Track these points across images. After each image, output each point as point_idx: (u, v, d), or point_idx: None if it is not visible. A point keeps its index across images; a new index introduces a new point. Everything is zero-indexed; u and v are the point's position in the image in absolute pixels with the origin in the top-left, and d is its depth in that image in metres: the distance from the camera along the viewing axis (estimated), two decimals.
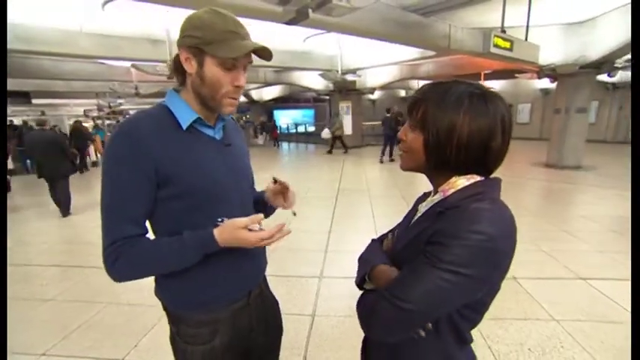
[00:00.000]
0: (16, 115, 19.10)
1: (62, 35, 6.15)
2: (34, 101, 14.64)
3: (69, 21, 5.80)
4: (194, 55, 0.76)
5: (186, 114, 0.80)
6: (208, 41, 0.73)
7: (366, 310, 0.67)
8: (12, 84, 11.28)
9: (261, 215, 0.81)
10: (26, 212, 5.47)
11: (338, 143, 11.52)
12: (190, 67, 0.77)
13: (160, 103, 0.83)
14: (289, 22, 2.92)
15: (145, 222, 0.80)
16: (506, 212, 0.62)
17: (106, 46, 6.68)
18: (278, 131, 16.53)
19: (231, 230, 0.77)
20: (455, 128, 0.61)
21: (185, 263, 0.79)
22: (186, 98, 0.82)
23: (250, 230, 0.78)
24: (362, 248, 0.83)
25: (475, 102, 0.61)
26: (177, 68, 0.81)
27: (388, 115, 9.44)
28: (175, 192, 0.78)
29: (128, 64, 8.25)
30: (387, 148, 9.37)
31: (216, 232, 0.77)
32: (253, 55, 0.79)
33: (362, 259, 0.78)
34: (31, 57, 8.18)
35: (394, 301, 0.59)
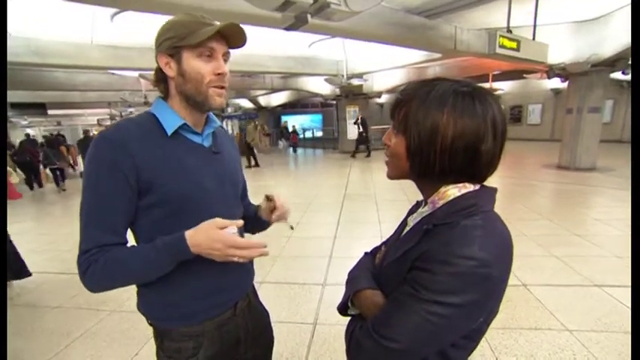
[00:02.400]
0: (34, 126, 19.78)
1: (74, 48, 6.35)
2: (49, 112, 15.16)
3: (80, 33, 5.98)
4: (172, 55, 0.77)
5: (171, 120, 0.79)
6: (182, 36, 0.74)
7: (352, 343, 0.61)
8: (28, 96, 11.70)
9: (241, 222, 0.78)
10: None
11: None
12: (170, 70, 0.78)
13: (147, 111, 0.82)
14: (289, 28, 2.92)
15: (124, 231, 0.77)
16: (501, 230, 0.56)
17: (116, 57, 6.86)
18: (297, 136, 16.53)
19: (206, 229, 0.71)
20: (438, 130, 0.54)
21: (158, 270, 0.74)
22: (172, 105, 0.81)
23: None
24: None
25: (461, 100, 0.54)
26: (159, 79, 0.82)
27: None
28: (156, 199, 0.76)
29: (137, 73, 8.44)
30: None
31: (188, 233, 0.72)
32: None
33: (349, 279, 0.73)
34: (46, 69, 8.48)
35: (380, 340, 0.54)
